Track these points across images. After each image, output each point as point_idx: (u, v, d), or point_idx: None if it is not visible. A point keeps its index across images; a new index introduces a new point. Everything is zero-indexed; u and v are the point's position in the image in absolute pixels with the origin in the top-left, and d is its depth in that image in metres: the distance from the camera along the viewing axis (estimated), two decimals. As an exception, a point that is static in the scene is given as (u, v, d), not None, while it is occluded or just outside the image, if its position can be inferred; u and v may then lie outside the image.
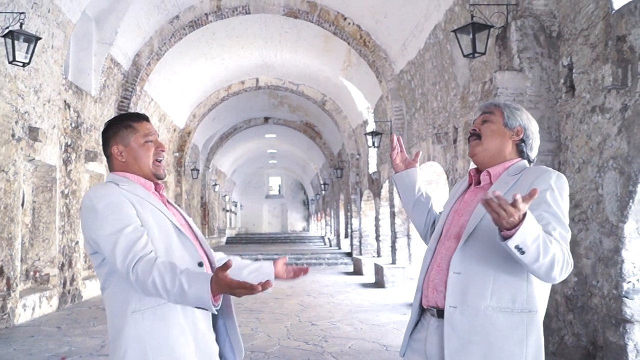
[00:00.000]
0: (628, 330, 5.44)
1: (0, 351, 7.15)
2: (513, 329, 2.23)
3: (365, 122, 19.84)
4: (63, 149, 11.04)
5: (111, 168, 2.44)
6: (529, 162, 2.51)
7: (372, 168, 19.57)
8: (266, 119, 27.76)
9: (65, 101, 11.15)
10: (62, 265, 11.05)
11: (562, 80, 6.72)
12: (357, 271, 18.32)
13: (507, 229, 1.93)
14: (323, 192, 36.34)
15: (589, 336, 6.05)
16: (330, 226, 34.73)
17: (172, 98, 18.75)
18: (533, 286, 2.26)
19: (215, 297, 2.04)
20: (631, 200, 5.38)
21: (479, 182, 2.50)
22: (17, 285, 9.07)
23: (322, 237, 37.67)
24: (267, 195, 53.31)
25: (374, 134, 15.91)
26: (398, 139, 2.86)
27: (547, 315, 6.63)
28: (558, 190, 2.26)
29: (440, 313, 2.34)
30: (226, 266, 1.98)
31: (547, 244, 2.03)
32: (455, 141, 10.51)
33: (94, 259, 2.32)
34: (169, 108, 18.99)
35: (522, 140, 2.47)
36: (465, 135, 9.80)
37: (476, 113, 2.56)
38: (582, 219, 6.22)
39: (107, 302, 2.32)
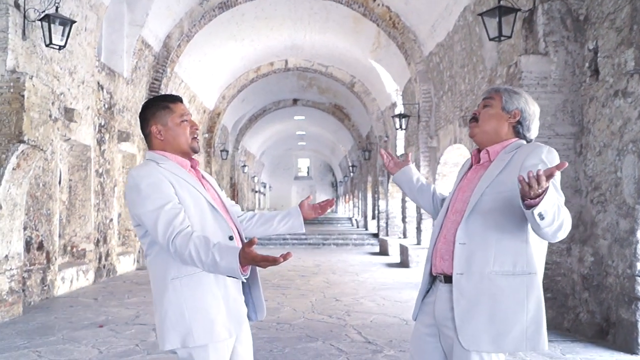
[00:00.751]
0: (639, 308, 5.59)
1: (42, 319, 7.55)
2: (515, 290, 2.47)
3: (394, 105, 19.92)
4: (97, 129, 11.40)
5: (150, 146, 2.68)
6: (527, 141, 2.69)
7: (400, 150, 19.68)
8: (295, 101, 27.93)
9: (98, 82, 11.48)
10: (98, 241, 11.47)
11: (587, 64, 6.80)
12: (383, 251, 18.55)
13: (531, 199, 2.18)
14: (351, 174, 36.53)
15: (603, 313, 6.21)
16: (358, 208, 34.94)
17: (202, 79, 19.04)
18: (531, 251, 2.51)
19: (244, 267, 2.29)
20: (648, 183, 5.49)
21: (479, 161, 2.71)
22: (56, 259, 9.49)
23: (350, 219, 37.93)
24: (295, 176, 53.67)
25: (401, 116, 16.03)
26: (386, 151, 3.18)
27: (564, 294, 6.81)
28: (550, 163, 2.47)
29: (447, 279, 2.61)
30: (252, 242, 2.24)
31: (560, 210, 2.29)
32: (481, 124, 10.60)
33: (138, 230, 2.61)
34: (198, 89, 19.29)
35: (519, 122, 2.65)
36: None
37: (480, 98, 2.75)
38: (601, 200, 6.34)
39: (150, 268, 2.61)
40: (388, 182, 21.48)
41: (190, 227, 2.45)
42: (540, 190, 2.15)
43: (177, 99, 2.70)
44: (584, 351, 5.88)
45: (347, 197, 44.52)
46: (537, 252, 2.53)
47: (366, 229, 27.97)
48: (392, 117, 17.26)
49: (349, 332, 6.85)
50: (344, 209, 46.98)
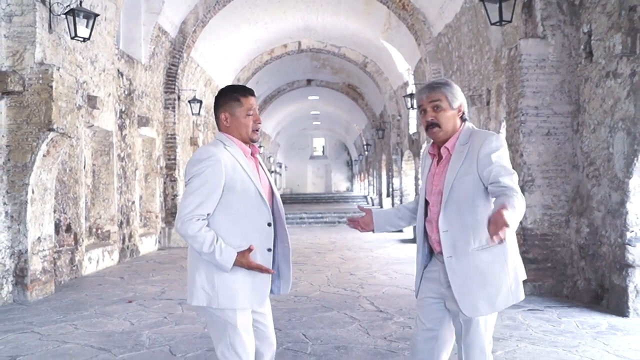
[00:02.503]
0: (630, 273, 6.04)
1: (74, 296, 8.10)
2: (495, 258, 2.94)
3: (406, 84, 20.20)
4: (118, 115, 11.88)
5: (219, 128, 3.12)
6: (465, 120, 3.09)
7: (412, 129, 20.02)
8: (309, 81, 28.26)
9: (118, 70, 11.94)
10: (121, 223, 12.02)
11: (582, 47, 7.14)
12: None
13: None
14: (366, 152, 36.87)
15: (598, 280, 6.64)
16: (373, 186, 35.33)
17: (217, 63, 19.45)
18: None
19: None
20: (636, 158, 5.89)
21: (440, 157, 3.11)
22: (83, 241, 10.05)
23: (365, 197, 38.35)
24: (311, 156, 53.96)
25: (412, 95, 16.36)
26: (349, 221, 3.42)
27: (563, 264, 7.24)
28: (498, 149, 2.89)
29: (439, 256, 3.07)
30: (249, 250, 2.78)
31: (519, 208, 2.65)
32: (488, 103, 10.96)
33: None
34: (214, 73, 19.71)
35: (462, 112, 3.04)
36: (497, 98, 10.26)
37: (422, 95, 3.06)
38: (595, 175, 6.73)
39: None
40: (402, 160, 21.85)
41: (204, 219, 2.91)
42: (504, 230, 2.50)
43: (248, 93, 3.06)
44: (579, 315, 6.32)
45: (362, 175, 44.91)
46: None
47: (381, 207, 28.38)
48: (404, 96, 17.58)
49: (362, 303, 7.33)
50: (359, 187, 47.40)
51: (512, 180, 2.83)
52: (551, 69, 7.41)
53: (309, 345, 5.43)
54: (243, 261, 2.78)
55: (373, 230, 3.39)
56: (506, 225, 2.47)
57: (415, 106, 16.47)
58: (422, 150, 3.46)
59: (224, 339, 2.96)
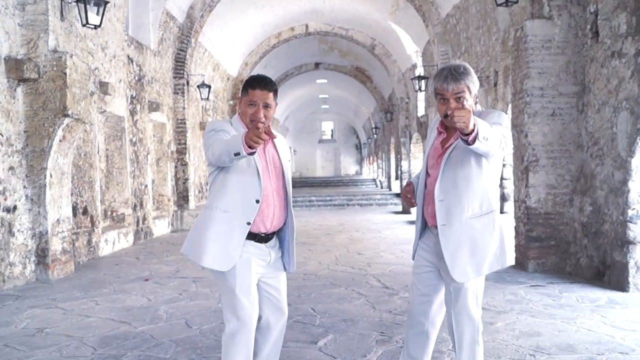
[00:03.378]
0: (630, 250, 6.22)
1: (93, 275, 8.37)
2: (485, 226, 3.19)
3: (414, 66, 20.28)
4: (129, 100, 12.09)
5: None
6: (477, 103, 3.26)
7: (421, 111, 20.13)
8: (317, 65, 28.33)
9: (128, 56, 12.12)
10: (135, 206, 12.27)
11: (588, 27, 7.26)
12: (405, 211, 19.17)
13: (470, 134, 2.76)
14: (375, 135, 36.98)
15: (600, 257, 6.82)
16: (382, 169, 35.48)
17: (225, 48, 19.58)
18: (490, 194, 3.20)
19: (249, 148, 2.92)
20: (639, 137, 6.03)
21: (449, 136, 3.26)
22: (99, 223, 10.31)
23: (374, 180, 38.52)
24: (320, 139, 54.05)
25: (420, 78, 16.46)
26: (406, 198, 3.56)
27: (566, 242, 7.42)
28: (499, 121, 3.10)
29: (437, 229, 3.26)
30: (255, 126, 2.92)
31: (493, 130, 2.89)
32: (495, 84, 11.08)
33: (209, 170, 3.38)
34: (222, 57, 19.86)
35: (477, 97, 3.21)
36: (504, 79, 10.38)
37: (446, 85, 3.08)
38: (599, 154, 6.88)
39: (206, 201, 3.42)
40: (410, 142, 21.97)
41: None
42: (472, 123, 2.70)
43: (257, 86, 3.27)
44: (580, 290, 6.51)
45: (371, 158, 45.03)
46: (494, 194, 3.21)
47: (390, 189, 28.55)
48: (412, 79, 17.67)
49: (369, 280, 7.55)
50: (368, 170, 47.53)
51: (505, 129, 3.03)
52: (557, 49, 7.53)
53: (317, 318, 5.66)
54: (247, 133, 2.91)
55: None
56: (469, 114, 2.67)
57: (423, 89, 16.66)
58: (430, 122, 3.59)
59: (226, 301, 3.26)
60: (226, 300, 3.26)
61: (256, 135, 2.82)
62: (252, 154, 2.95)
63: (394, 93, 24.62)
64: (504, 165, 11.39)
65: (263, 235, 3.32)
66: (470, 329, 3.22)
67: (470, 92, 3.12)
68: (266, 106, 3.26)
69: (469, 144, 2.82)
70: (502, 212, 11.31)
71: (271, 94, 3.28)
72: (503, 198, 11.68)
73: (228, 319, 3.24)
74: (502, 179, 11.67)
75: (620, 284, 6.35)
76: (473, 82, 3.13)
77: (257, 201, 3.24)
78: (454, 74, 3.09)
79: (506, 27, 10.28)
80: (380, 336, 5.00)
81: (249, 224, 3.23)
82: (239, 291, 3.20)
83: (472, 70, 3.18)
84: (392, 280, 7.48)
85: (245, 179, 3.24)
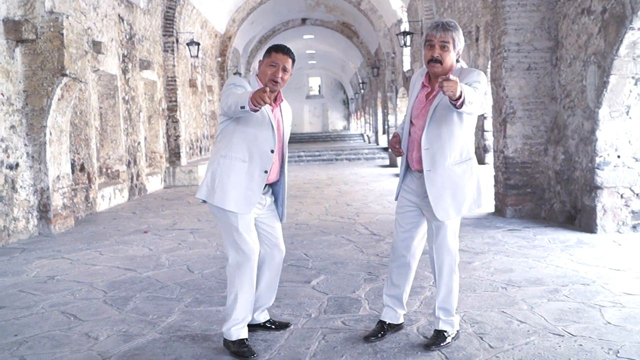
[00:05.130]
0: (598, 195, 6.71)
1: (93, 229, 8.79)
2: (464, 171, 3.62)
3: (400, 21, 20.49)
4: (121, 59, 12.33)
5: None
6: (459, 61, 3.65)
7: (407, 66, 20.42)
8: (303, 20, 28.40)
9: (119, 15, 12.31)
10: (129, 162, 12.63)
11: (560, -16, 7.60)
12: (392, 164, 19.61)
13: (458, 100, 3.15)
14: (362, 90, 37.22)
15: (572, 202, 7.32)
16: (370, 124, 35.84)
17: (213, 5, 19.67)
18: (468, 143, 3.63)
19: (253, 105, 3.29)
20: (605, 89, 6.46)
21: (432, 89, 3.65)
22: (96, 179, 10.69)
23: (362, 135, 38.92)
24: (307, 95, 54.04)
25: (405, 33, 16.72)
26: (394, 148, 3.84)
27: (541, 189, 7.93)
28: (478, 80, 3.46)
29: (421, 174, 3.68)
30: (263, 89, 3.26)
31: (476, 93, 3.31)
32: (477, 40, 11.42)
33: (220, 119, 3.74)
34: (210, 15, 19.96)
35: (459, 55, 3.61)
36: (485, 35, 10.71)
37: (435, 32, 3.51)
38: (571, 106, 7.31)
39: (214, 146, 3.80)
40: (396, 97, 22.32)
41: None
42: (458, 90, 3.08)
43: (279, 50, 3.64)
44: (553, 233, 7.03)
45: (358, 113, 45.32)
46: (470, 143, 3.65)
47: (377, 144, 28.99)
48: (397, 34, 17.92)
49: (357, 228, 8.03)
50: (356, 125, 47.85)
51: (481, 90, 3.41)
52: (532, 6, 7.88)
53: (310, 261, 6.14)
54: (254, 93, 3.27)
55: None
56: (456, 85, 3.06)
57: (408, 44, 16.94)
58: (412, 75, 3.84)
59: (230, 239, 3.66)
60: (229, 237, 3.67)
61: (260, 97, 3.20)
62: (255, 110, 3.33)
63: (380, 48, 24.83)
64: (485, 118, 11.82)
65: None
66: (449, 260, 3.68)
67: (454, 46, 3.51)
68: (284, 69, 3.63)
69: (457, 108, 3.23)
70: (484, 162, 11.79)
71: (290, 60, 3.66)
72: (485, 149, 12.15)
73: (232, 254, 3.66)
74: (484, 130, 12.12)
75: (589, 226, 6.87)
76: (459, 38, 3.53)
77: (272, 151, 3.66)
78: (445, 25, 3.52)
79: (488, -17, 10.57)
80: (368, 276, 5.48)
81: (266, 172, 3.65)
82: (242, 228, 3.62)
83: (460, 29, 3.58)
84: (379, 227, 7.96)
85: (261, 132, 3.63)
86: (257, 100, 3.23)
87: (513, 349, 3.56)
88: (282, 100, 3.80)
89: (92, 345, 3.90)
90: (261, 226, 3.84)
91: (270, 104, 3.34)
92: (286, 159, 3.89)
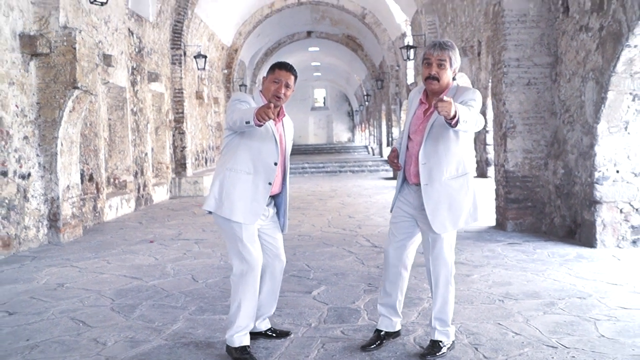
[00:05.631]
0: (597, 209, 6.84)
1: (100, 238, 8.96)
2: (460, 186, 3.75)
3: (404, 35, 20.69)
4: (130, 72, 12.53)
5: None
6: (455, 80, 3.81)
7: (410, 79, 20.60)
8: (309, 33, 28.65)
9: (129, 29, 12.53)
10: (136, 173, 12.82)
11: (559, 2, 7.76)
12: (395, 176, 19.73)
13: (452, 119, 3.29)
14: (366, 103, 37.42)
15: (572, 216, 7.44)
16: (374, 136, 35.98)
17: (220, 18, 19.92)
18: (464, 158, 3.76)
19: (258, 121, 3.46)
20: (603, 105, 6.61)
21: (430, 106, 3.78)
22: (104, 189, 10.87)
23: (366, 147, 39.06)
24: (312, 107, 54.23)
25: (408, 47, 16.91)
26: (393, 163, 3.93)
27: (542, 203, 8.05)
28: (473, 98, 3.61)
29: (417, 187, 3.80)
30: (268, 105, 3.42)
31: (471, 112, 3.44)
32: (479, 54, 11.59)
33: (225, 133, 3.91)
34: (217, 28, 20.21)
35: (455, 73, 3.76)
36: (487, 49, 10.88)
37: (433, 51, 3.67)
38: (570, 121, 7.46)
39: (219, 159, 3.96)
40: (400, 109, 22.48)
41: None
42: (453, 110, 3.21)
43: (282, 68, 3.85)
44: (552, 247, 7.14)
45: (362, 125, 45.48)
46: (467, 158, 3.78)
47: (381, 156, 29.12)
48: (401, 48, 18.11)
49: (359, 240, 8.17)
50: (360, 137, 48.01)
51: (476, 110, 3.55)
52: (532, 23, 8.06)
53: (311, 272, 6.28)
54: (260, 108, 3.44)
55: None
56: (450, 105, 3.19)
57: (412, 57, 17.12)
58: (410, 92, 3.95)
59: (234, 249, 3.81)
60: (233, 247, 3.81)
61: (265, 112, 3.36)
62: (259, 125, 3.50)
63: (384, 61, 25.03)
64: (487, 132, 11.97)
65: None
66: (445, 272, 3.80)
67: (450, 64, 3.67)
68: (287, 86, 3.82)
69: (452, 127, 3.36)
70: (486, 176, 11.93)
71: (292, 77, 3.86)
72: (487, 163, 12.28)
73: (236, 263, 3.81)
74: (485, 144, 12.26)
75: (589, 241, 6.98)
76: (455, 57, 3.70)
77: (275, 164, 3.83)
78: (442, 44, 3.69)
79: (489, -1, 10.74)
80: (368, 287, 5.61)
81: (270, 184, 3.82)
82: (246, 239, 3.78)
83: (456, 48, 3.74)
84: (380, 240, 8.09)
85: (264, 146, 3.80)
86: (261, 115, 3.38)
87: (507, 359, 3.69)
88: (284, 115, 3.98)
89: (101, 350, 4.04)
90: (263, 237, 3.99)
91: (274, 119, 3.49)
92: (288, 172, 4.05)
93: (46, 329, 4.58)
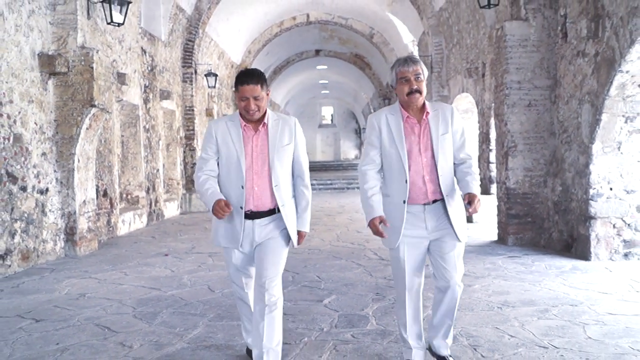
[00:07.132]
0: (592, 224, 7.16)
1: (116, 252, 9.31)
2: (459, 198, 3.89)
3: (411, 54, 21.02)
4: (143, 89, 12.95)
5: None
6: None
7: (417, 98, 20.92)
8: (317, 52, 29.08)
9: (142, 47, 12.96)
10: (148, 189, 13.19)
11: (559, 28, 8.14)
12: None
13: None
14: (373, 120, 37.66)
15: (569, 231, 7.77)
16: (381, 153, 36.14)
17: (229, 37, 20.39)
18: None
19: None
20: (597, 126, 6.96)
21: (418, 120, 3.85)
22: (117, 205, 11.23)
23: (373, 164, 39.21)
24: (319, 124, 54.61)
25: (415, 67, 17.24)
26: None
27: (541, 218, 8.37)
28: (462, 125, 3.85)
29: (434, 202, 3.81)
30: (225, 203, 3.61)
31: (465, 146, 3.81)
32: (483, 75, 11.94)
33: None
34: (226, 46, 20.67)
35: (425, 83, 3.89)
36: (491, 71, 11.23)
37: (407, 67, 3.68)
38: (567, 141, 7.79)
39: None
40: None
41: (210, 172, 3.84)
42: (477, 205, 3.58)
43: (244, 82, 3.63)
44: (550, 260, 7.47)
45: (370, 143, 45.66)
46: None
47: (388, 173, 29.32)
48: (407, 68, 18.42)
49: (366, 253, 8.49)
50: (368, 154, 48.14)
51: (471, 150, 3.87)
52: (532, 47, 8.43)
53: (322, 283, 6.61)
54: (215, 206, 3.61)
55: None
56: (479, 203, 3.57)
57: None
58: (370, 117, 3.80)
59: (227, 269, 4.04)
60: (227, 268, 4.06)
61: (218, 212, 3.58)
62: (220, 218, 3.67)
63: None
64: (490, 150, 12.28)
65: (248, 212, 3.76)
66: (459, 274, 3.81)
67: (424, 75, 3.74)
68: (255, 98, 3.64)
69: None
70: (489, 193, 12.23)
71: (258, 86, 3.62)
72: (490, 180, 12.59)
73: (230, 284, 4.14)
74: (489, 162, 12.57)
75: (584, 254, 7.31)
76: (424, 69, 3.77)
77: (242, 187, 3.78)
78: (412, 58, 3.77)
79: (492, 23, 11.11)
80: (376, 296, 5.93)
81: (241, 207, 3.72)
82: (232, 264, 3.94)
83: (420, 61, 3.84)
84: (387, 253, 8.38)
85: (230, 172, 3.77)
86: (215, 214, 3.61)
87: (502, 358, 4.01)
88: (264, 124, 3.78)
89: (128, 353, 4.37)
90: (255, 259, 3.89)
91: (254, 131, 3.68)
92: (282, 178, 3.81)
93: (73, 334, 4.91)
